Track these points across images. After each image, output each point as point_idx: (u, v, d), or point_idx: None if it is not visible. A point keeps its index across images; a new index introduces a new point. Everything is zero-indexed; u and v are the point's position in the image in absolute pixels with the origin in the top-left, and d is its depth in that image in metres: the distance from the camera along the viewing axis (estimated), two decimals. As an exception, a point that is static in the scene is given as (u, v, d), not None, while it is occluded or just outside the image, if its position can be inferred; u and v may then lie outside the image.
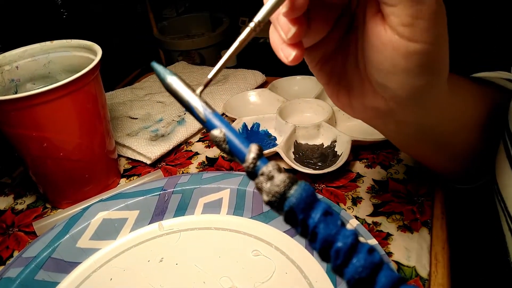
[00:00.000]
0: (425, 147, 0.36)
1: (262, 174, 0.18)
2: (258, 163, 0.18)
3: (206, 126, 0.20)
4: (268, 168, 0.18)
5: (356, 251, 0.17)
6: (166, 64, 0.83)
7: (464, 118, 0.34)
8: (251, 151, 0.18)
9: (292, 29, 0.23)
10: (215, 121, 0.19)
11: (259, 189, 0.18)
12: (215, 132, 0.19)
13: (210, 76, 0.21)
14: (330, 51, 0.29)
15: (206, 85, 0.21)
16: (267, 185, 0.18)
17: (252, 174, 0.18)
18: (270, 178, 0.18)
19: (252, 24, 0.21)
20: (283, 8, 0.23)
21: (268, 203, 0.18)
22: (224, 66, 0.22)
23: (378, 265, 0.17)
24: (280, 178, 0.18)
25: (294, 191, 0.17)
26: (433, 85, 0.26)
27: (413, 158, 0.41)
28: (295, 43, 0.24)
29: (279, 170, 0.18)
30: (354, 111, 0.31)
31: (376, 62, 0.24)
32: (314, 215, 0.17)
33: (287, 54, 0.25)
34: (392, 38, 0.22)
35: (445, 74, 0.26)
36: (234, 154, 0.19)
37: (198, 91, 0.21)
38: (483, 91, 0.37)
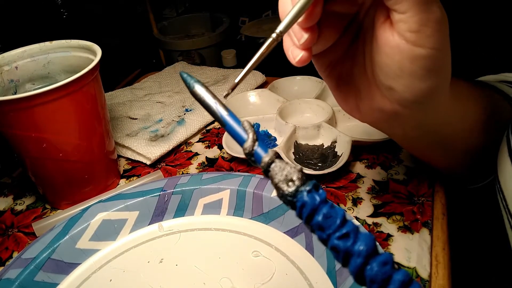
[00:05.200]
0: (431, 149, 0.37)
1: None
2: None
3: (229, 131, 0.21)
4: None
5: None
6: (166, 64, 0.84)
7: (466, 121, 0.35)
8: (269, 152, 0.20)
9: (305, 36, 0.25)
10: (236, 127, 0.21)
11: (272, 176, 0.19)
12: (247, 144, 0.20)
13: (236, 81, 0.23)
14: (339, 57, 0.31)
15: (233, 89, 0.23)
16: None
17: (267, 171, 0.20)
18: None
19: (274, 35, 0.23)
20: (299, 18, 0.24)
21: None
22: (249, 72, 0.24)
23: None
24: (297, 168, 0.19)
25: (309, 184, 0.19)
26: (437, 88, 0.27)
27: (420, 159, 0.42)
28: (306, 48, 0.26)
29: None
30: (361, 115, 0.32)
31: (384, 65, 0.26)
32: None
33: (295, 55, 0.26)
34: (399, 43, 0.24)
35: (448, 78, 0.28)
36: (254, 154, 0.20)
37: (223, 94, 0.23)
38: (484, 94, 0.38)
